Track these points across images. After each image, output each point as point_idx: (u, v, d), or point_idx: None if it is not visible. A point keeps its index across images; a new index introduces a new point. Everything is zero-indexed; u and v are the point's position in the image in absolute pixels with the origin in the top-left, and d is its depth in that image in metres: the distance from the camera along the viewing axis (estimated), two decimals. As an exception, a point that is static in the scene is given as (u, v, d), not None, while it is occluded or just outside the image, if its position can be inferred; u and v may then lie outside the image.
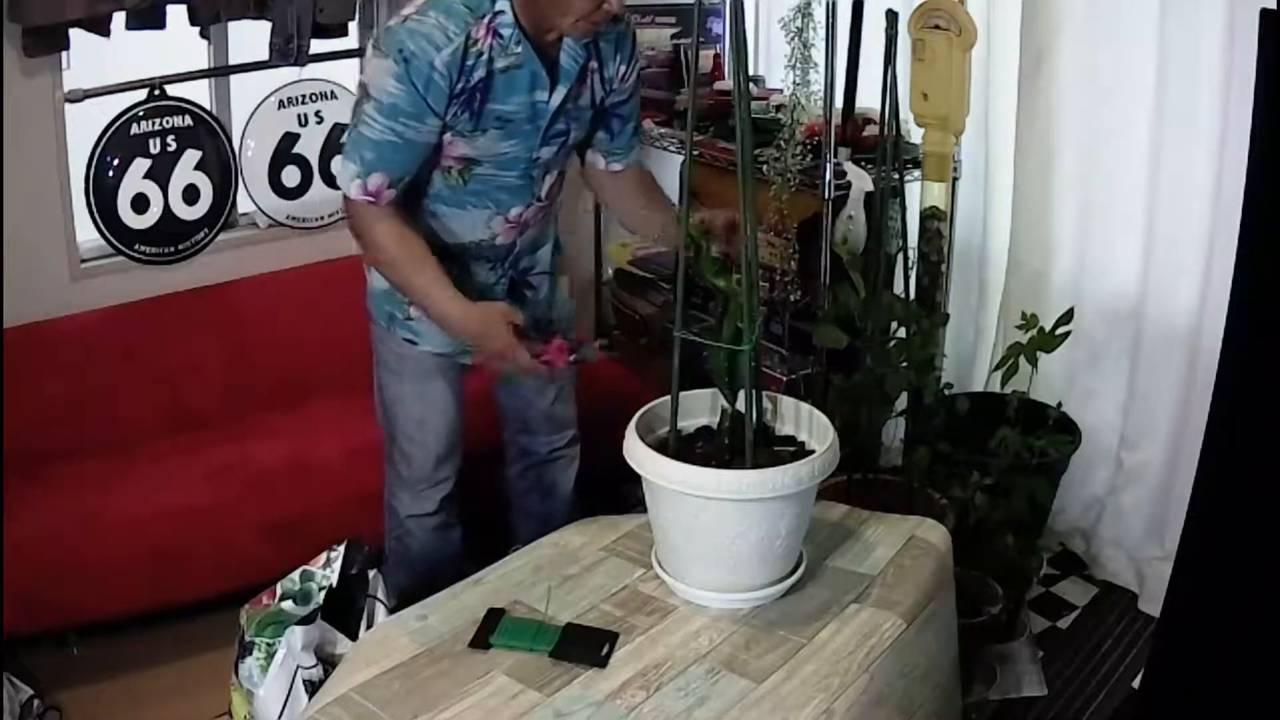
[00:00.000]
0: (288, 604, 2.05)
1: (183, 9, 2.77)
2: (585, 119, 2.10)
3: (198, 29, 2.86)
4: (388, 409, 2.27)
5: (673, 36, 3.47)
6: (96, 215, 2.83)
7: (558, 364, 1.94)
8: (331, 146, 3.17)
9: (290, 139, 3.12)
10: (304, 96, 3.10)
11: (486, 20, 1.88)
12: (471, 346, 2.03)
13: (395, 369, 2.23)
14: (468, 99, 1.91)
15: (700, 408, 1.87)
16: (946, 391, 2.55)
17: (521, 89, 1.95)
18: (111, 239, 2.87)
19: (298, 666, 1.92)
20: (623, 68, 2.08)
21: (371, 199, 1.93)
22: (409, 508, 2.31)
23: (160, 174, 2.90)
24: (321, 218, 3.20)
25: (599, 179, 2.23)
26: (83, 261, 2.87)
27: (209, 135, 2.97)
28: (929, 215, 2.87)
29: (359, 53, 3.20)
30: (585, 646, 1.65)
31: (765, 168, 2.70)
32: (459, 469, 2.32)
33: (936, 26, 2.65)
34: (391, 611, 1.95)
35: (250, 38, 2.96)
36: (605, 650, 1.64)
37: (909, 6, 2.75)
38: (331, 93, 3.15)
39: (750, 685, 1.57)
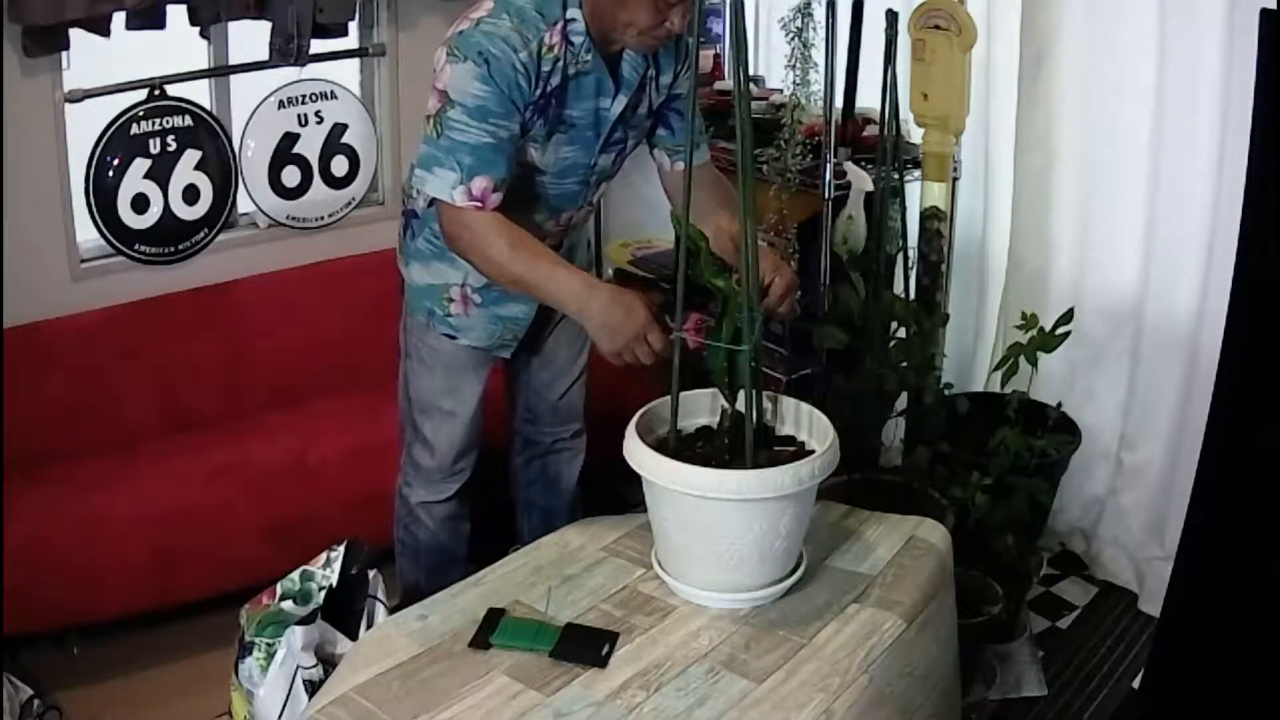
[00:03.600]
0: (288, 604, 2.04)
1: (183, 9, 2.77)
2: (643, 126, 2.11)
3: (198, 29, 2.86)
4: (414, 401, 2.28)
5: (673, 36, 3.47)
6: (96, 215, 2.83)
7: (693, 342, 1.77)
8: (332, 146, 3.18)
9: (290, 139, 3.12)
10: (304, 96, 3.10)
11: (560, 26, 1.88)
12: (605, 335, 1.88)
13: (428, 362, 2.24)
14: (544, 103, 1.92)
15: (700, 408, 1.87)
16: (946, 391, 2.55)
17: (588, 95, 1.97)
18: (111, 239, 2.87)
19: (298, 666, 1.92)
20: (678, 67, 2.08)
21: (479, 204, 1.88)
22: (421, 495, 2.32)
23: (160, 174, 2.90)
24: (321, 218, 3.20)
25: (670, 181, 2.18)
26: (83, 261, 2.87)
27: (209, 135, 2.97)
28: (929, 215, 2.87)
29: (359, 53, 3.21)
30: (585, 647, 1.65)
31: (765, 168, 2.70)
32: (476, 462, 2.34)
33: (936, 26, 2.66)
34: (391, 611, 1.95)
35: (250, 38, 2.96)
36: (605, 650, 1.64)
37: (909, 6, 2.75)
38: (331, 93, 3.15)
39: (750, 685, 1.57)
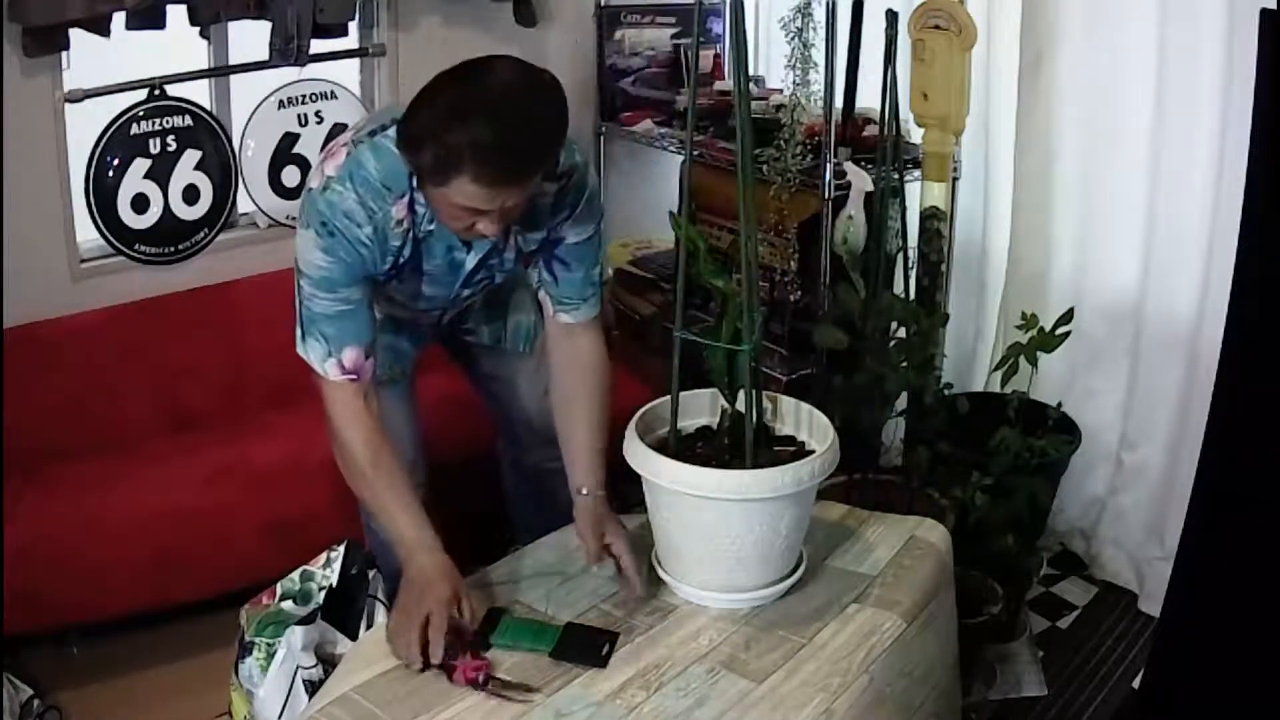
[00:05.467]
0: (288, 604, 2.04)
1: (183, 9, 2.77)
2: (510, 264, 1.98)
3: (198, 29, 2.86)
4: None
5: (673, 36, 3.48)
6: (96, 215, 2.83)
7: (460, 681, 1.60)
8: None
9: (290, 139, 3.11)
10: (304, 96, 3.10)
11: (406, 199, 1.78)
12: (399, 600, 1.76)
13: None
14: (396, 270, 1.86)
15: (700, 408, 1.87)
16: (946, 391, 2.55)
17: (440, 253, 1.89)
18: (111, 239, 2.86)
19: (298, 666, 1.92)
20: (563, 223, 1.90)
21: (354, 375, 1.82)
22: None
23: (160, 174, 2.90)
24: (321, 218, 3.20)
25: (550, 328, 2.02)
26: (83, 261, 2.87)
27: (209, 135, 2.97)
28: (929, 215, 2.87)
29: (359, 53, 3.20)
30: (585, 646, 1.65)
31: (765, 168, 2.70)
32: (423, 483, 2.23)
33: (936, 26, 2.66)
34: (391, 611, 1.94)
35: (250, 38, 2.95)
36: (605, 650, 1.64)
37: (909, 6, 2.75)
38: (331, 93, 3.15)
39: (750, 685, 1.57)
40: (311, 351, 1.84)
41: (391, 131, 1.75)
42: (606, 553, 1.84)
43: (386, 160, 1.75)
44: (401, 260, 1.84)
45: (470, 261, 1.91)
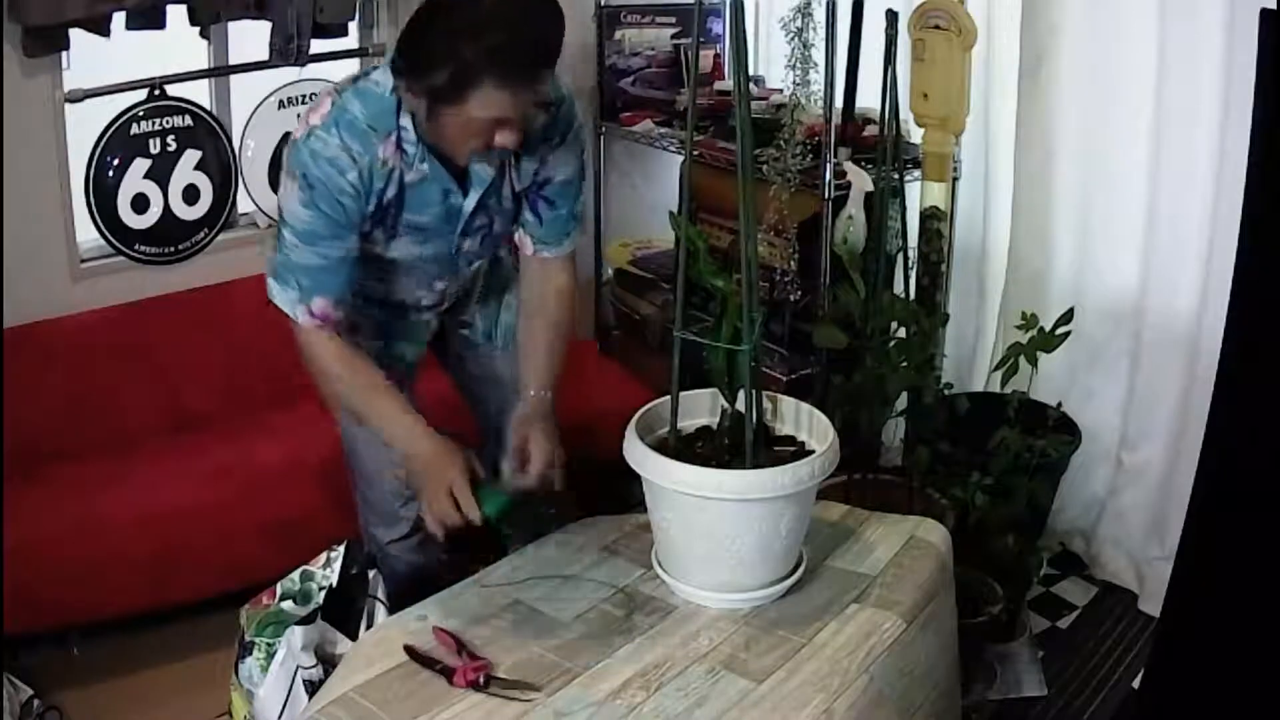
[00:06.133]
0: (288, 604, 2.04)
1: (183, 9, 2.77)
2: (509, 209, 2.00)
3: (198, 29, 2.86)
4: (348, 446, 2.24)
5: (673, 36, 3.48)
6: (96, 215, 2.83)
7: (460, 682, 1.59)
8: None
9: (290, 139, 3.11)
10: (304, 96, 3.10)
11: (393, 138, 1.79)
12: (422, 480, 1.86)
13: None
14: (381, 216, 1.86)
15: (700, 408, 1.87)
16: (946, 391, 2.55)
17: (434, 200, 1.88)
18: (111, 239, 2.87)
19: (298, 666, 1.92)
20: (551, 151, 1.93)
21: (321, 322, 1.86)
22: (385, 534, 2.27)
23: (160, 174, 2.90)
24: (321, 218, 3.20)
25: (524, 264, 2.09)
26: (83, 261, 2.87)
27: (209, 135, 2.97)
28: (929, 215, 2.87)
29: (359, 53, 3.20)
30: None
31: (765, 168, 2.70)
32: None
33: (936, 26, 2.66)
34: (391, 611, 1.95)
35: (250, 38, 2.95)
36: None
37: (909, 6, 2.75)
38: (331, 93, 3.15)
39: (750, 685, 1.57)
40: (283, 295, 1.86)
41: (376, 75, 1.79)
42: (522, 451, 1.91)
43: (371, 102, 1.78)
44: (385, 201, 1.84)
45: (469, 204, 1.91)
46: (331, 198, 1.78)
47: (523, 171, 1.94)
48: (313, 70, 3.06)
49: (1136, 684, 2.39)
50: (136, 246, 2.91)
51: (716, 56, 3.48)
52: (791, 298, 2.88)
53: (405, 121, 1.79)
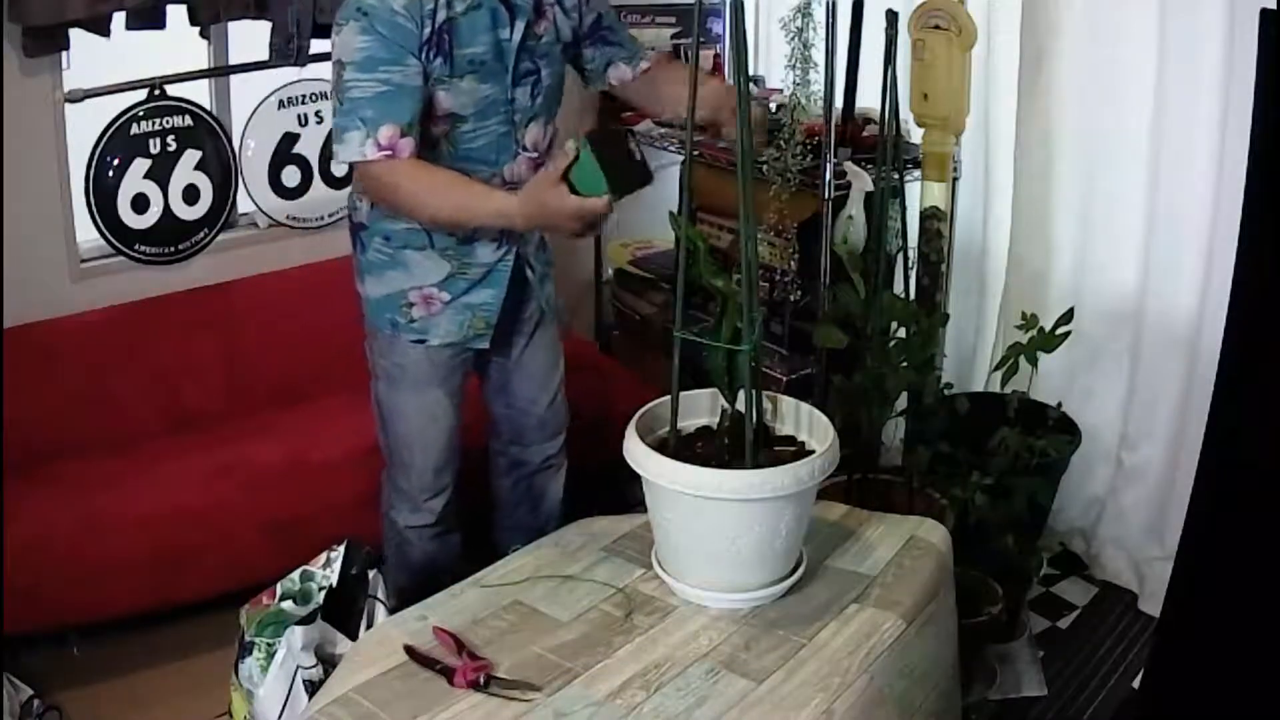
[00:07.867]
0: (288, 604, 2.05)
1: (183, 9, 2.77)
2: (555, 56, 2.12)
3: (198, 29, 2.86)
4: (386, 422, 2.26)
5: (673, 36, 3.47)
6: (96, 215, 2.83)
7: (460, 682, 1.57)
8: (331, 147, 3.17)
9: (290, 139, 3.12)
10: (304, 96, 3.10)
11: None
12: (549, 227, 1.96)
13: (395, 379, 2.23)
14: (437, 42, 1.93)
15: (700, 408, 1.87)
16: (946, 391, 2.55)
17: (484, 28, 1.98)
18: (111, 239, 2.87)
19: (298, 666, 1.92)
20: None
21: (389, 152, 1.91)
22: (408, 519, 2.30)
23: (160, 174, 2.90)
24: (321, 218, 3.20)
25: (639, 90, 2.27)
26: (83, 261, 2.87)
27: (209, 135, 2.97)
28: (929, 215, 2.87)
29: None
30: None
31: (765, 168, 2.69)
32: (457, 475, 2.32)
33: (936, 26, 2.65)
34: (391, 611, 1.95)
35: (250, 38, 2.95)
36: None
37: (909, 6, 2.75)
38: (331, 93, 3.15)
39: (750, 685, 1.57)
40: (351, 143, 1.92)
41: None
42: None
43: None
44: (439, 24, 1.92)
45: (515, 37, 2.01)
46: (386, 19, 1.87)
47: (568, 9, 2.12)
48: (313, 70, 3.06)
49: (1136, 684, 2.39)
50: (136, 246, 2.91)
51: (716, 56, 3.47)
52: (791, 298, 2.88)
53: None
